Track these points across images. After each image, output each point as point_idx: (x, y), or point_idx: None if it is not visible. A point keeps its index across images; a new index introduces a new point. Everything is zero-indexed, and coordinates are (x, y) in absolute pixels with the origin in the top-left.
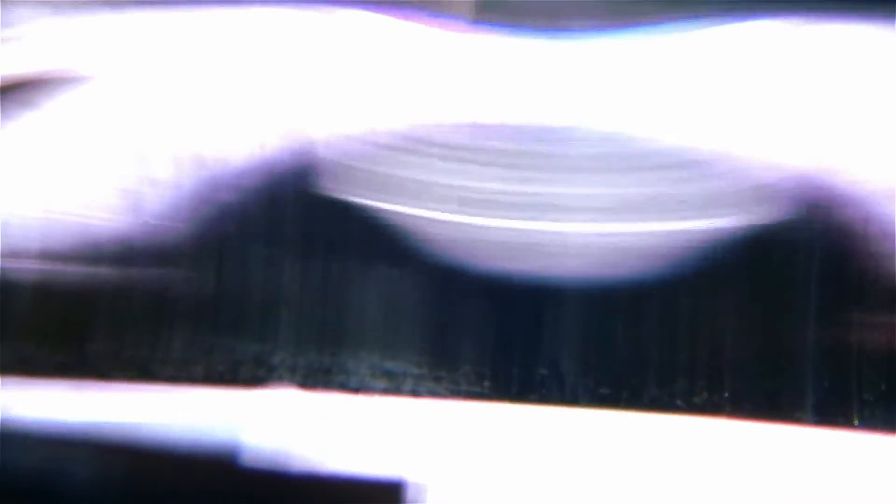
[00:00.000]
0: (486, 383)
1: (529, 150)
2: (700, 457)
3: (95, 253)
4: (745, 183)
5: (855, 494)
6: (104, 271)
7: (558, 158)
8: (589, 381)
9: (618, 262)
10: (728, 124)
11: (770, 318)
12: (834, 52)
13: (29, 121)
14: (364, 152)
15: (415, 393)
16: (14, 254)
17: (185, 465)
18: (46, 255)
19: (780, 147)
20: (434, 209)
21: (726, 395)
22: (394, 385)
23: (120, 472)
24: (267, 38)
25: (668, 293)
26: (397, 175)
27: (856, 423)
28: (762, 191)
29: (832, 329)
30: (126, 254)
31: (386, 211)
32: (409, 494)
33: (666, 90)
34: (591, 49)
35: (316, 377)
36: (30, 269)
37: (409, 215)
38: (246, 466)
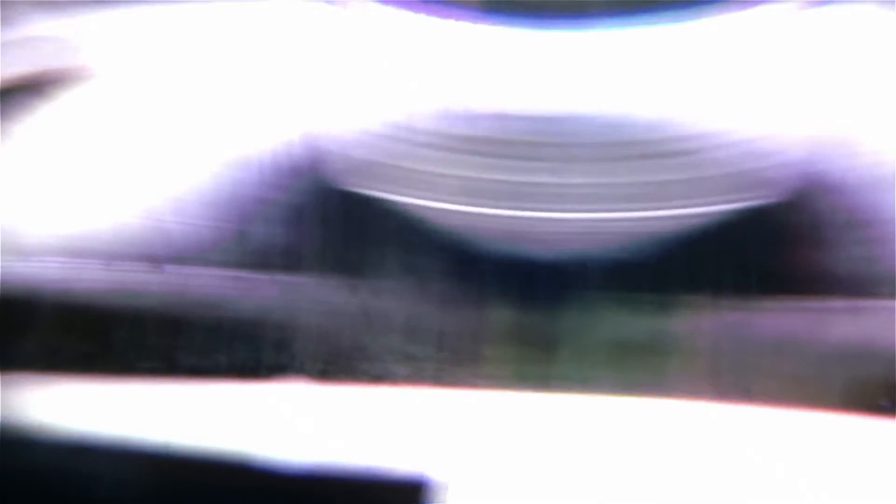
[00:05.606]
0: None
1: (534, 140)
2: (722, 443)
3: (109, 251)
4: (744, 168)
5: (880, 479)
6: (119, 270)
7: (563, 147)
8: (604, 367)
9: (628, 247)
10: (728, 110)
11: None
12: (835, 36)
13: (32, 120)
14: (376, 146)
15: (437, 379)
16: (28, 252)
17: (203, 461)
18: (64, 253)
19: (780, 132)
20: (447, 200)
21: (739, 380)
22: (416, 370)
23: (139, 470)
24: (275, 31)
25: (677, 277)
26: (408, 167)
27: (882, 405)
28: (763, 175)
29: (850, 313)
30: (142, 251)
31: (399, 202)
32: (432, 492)
33: (666, 78)
34: (592, 38)
35: (337, 364)
36: (46, 267)
37: (421, 206)
38: (264, 465)
